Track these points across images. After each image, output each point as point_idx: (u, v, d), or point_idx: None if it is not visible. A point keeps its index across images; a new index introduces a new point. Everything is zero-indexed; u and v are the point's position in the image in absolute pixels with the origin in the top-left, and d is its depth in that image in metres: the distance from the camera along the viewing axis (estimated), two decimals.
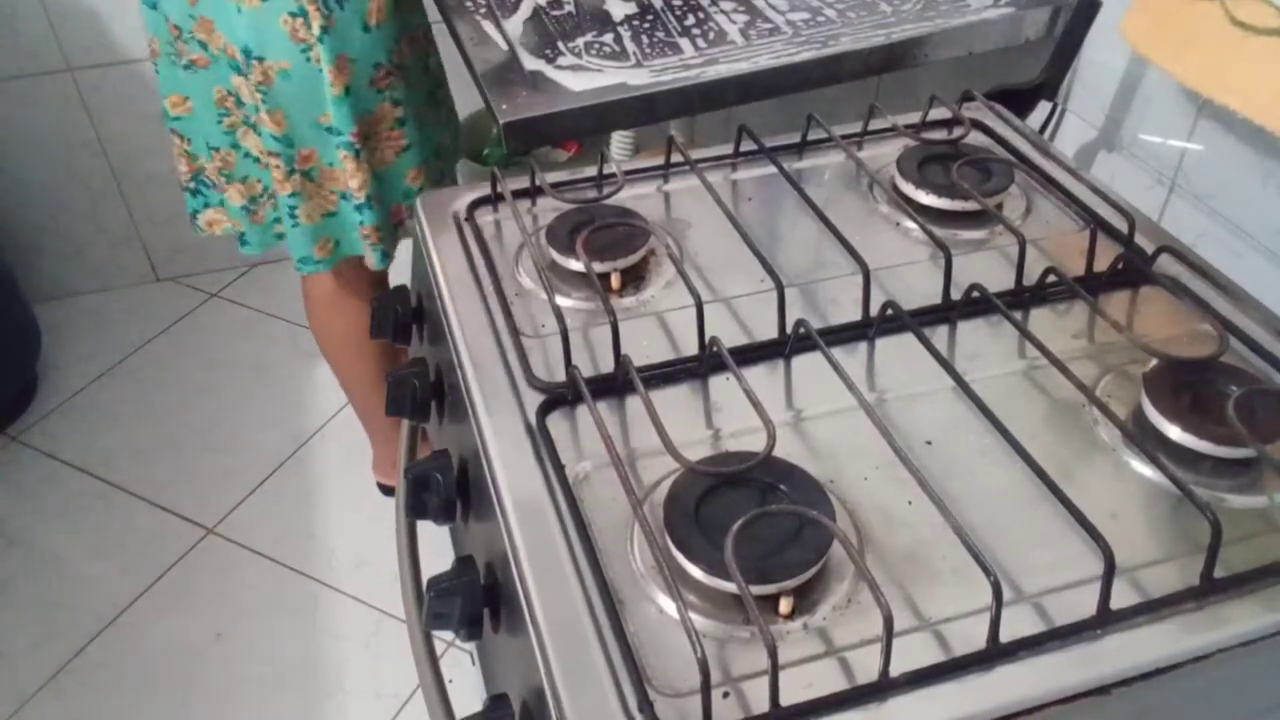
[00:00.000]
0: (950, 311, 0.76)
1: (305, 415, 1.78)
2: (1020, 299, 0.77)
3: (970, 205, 0.83)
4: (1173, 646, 0.54)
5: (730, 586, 0.54)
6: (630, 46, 0.99)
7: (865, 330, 0.74)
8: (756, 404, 0.62)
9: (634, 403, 0.69)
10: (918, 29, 0.97)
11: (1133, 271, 0.78)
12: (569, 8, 1.06)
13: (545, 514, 0.61)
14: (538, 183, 0.88)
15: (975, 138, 0.95)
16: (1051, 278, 0.76)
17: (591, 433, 0.66)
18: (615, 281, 0.79)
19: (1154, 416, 0.64)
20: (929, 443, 0.66)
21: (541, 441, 0.66)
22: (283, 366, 1.88)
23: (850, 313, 0.75)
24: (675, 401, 0.70)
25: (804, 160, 0.95)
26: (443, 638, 1.02)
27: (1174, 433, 0.63)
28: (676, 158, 0.92)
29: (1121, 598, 0.56)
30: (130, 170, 1.94)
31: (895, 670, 0.52)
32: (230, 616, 1.47)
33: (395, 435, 1.05)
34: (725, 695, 0.52)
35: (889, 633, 0.51)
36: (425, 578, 0.68)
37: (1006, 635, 0.53)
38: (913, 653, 0.53)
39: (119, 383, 1.86)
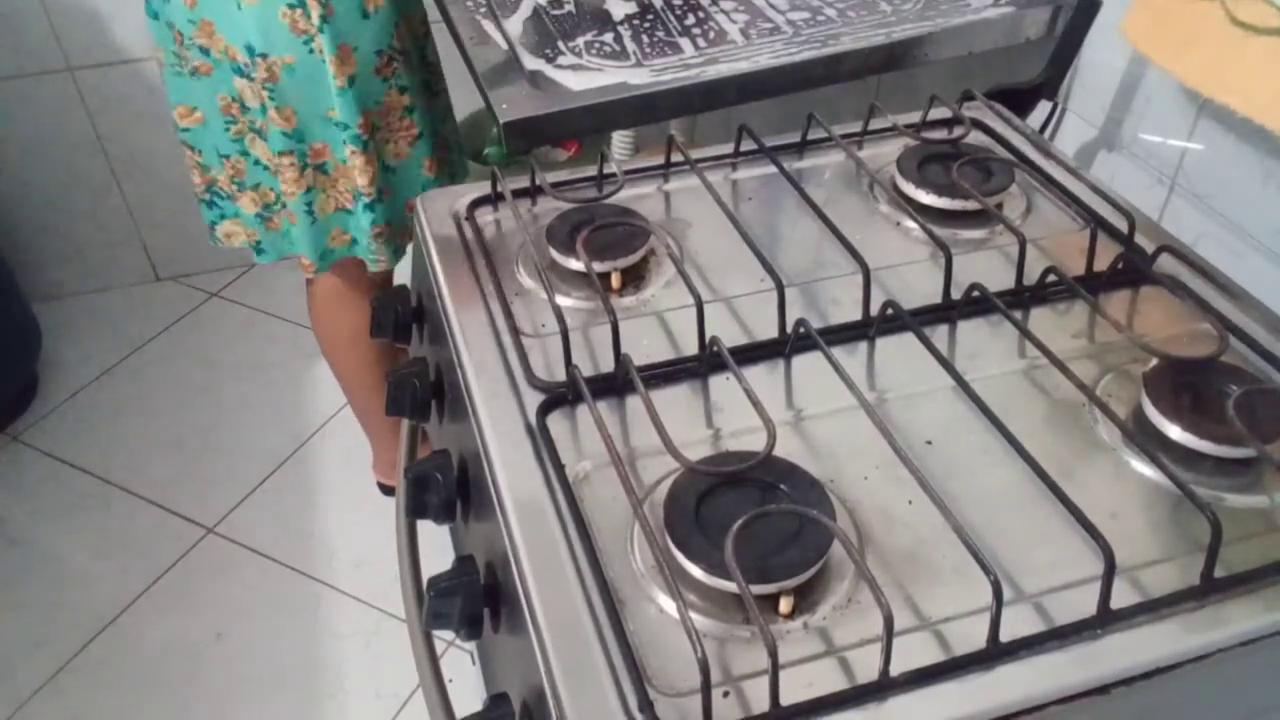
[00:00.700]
0: (950, 311, 0.76)
1: (305, 415, 1.78)
2: (1020, 298, 0.77)
3: (970, 205, 0.83)
4: (1173, 646, 0.54)
5: (730, 586, 0.54)
6: (630, 46, 0.99)
7: (865, 330, 0.74)
8: (756, 403, 0.62)
9: (634, 402, 0.69)
10: (918, 28, 0.97)
11: (1133, 271, 0.78)
12: (569, 7, 1.06)
13: (545, 514, 0.61)
14: (538, 182, 0.88)
15: (975, 137, 0.95)
16: (1052, 277, 0.76)
17: (592, 432, 0.65)
18: (615, 281, 0.79)
19: (1154, 416, 0.64)
20: (929, 442, 0.66)
21: (542, 441, 0.66)
22: (283, 366, 1.88)
23: (850, 312, 0.75)
24: (675, 401, 0.70)
25: (804, 160, 0.95)
26: (443, 637, 1.02)
27: (1174, 432, 0.63)
28: (676, 157, 0.92)
29: (1122, 597, 0.56)
30: (130, 170, 1.94)
31: (895, 670, 0.52)
32: (230, 616, 1.47)
33: (395, 435, 1.05)
34: (725, 695, 0.52)
35: (889, 632, 0.51)
36: (425, 577, 0.68)
37: (1007, 635, 0.53)
38: (913, 652, 0.53)
39: (119, 383, 1.86)
